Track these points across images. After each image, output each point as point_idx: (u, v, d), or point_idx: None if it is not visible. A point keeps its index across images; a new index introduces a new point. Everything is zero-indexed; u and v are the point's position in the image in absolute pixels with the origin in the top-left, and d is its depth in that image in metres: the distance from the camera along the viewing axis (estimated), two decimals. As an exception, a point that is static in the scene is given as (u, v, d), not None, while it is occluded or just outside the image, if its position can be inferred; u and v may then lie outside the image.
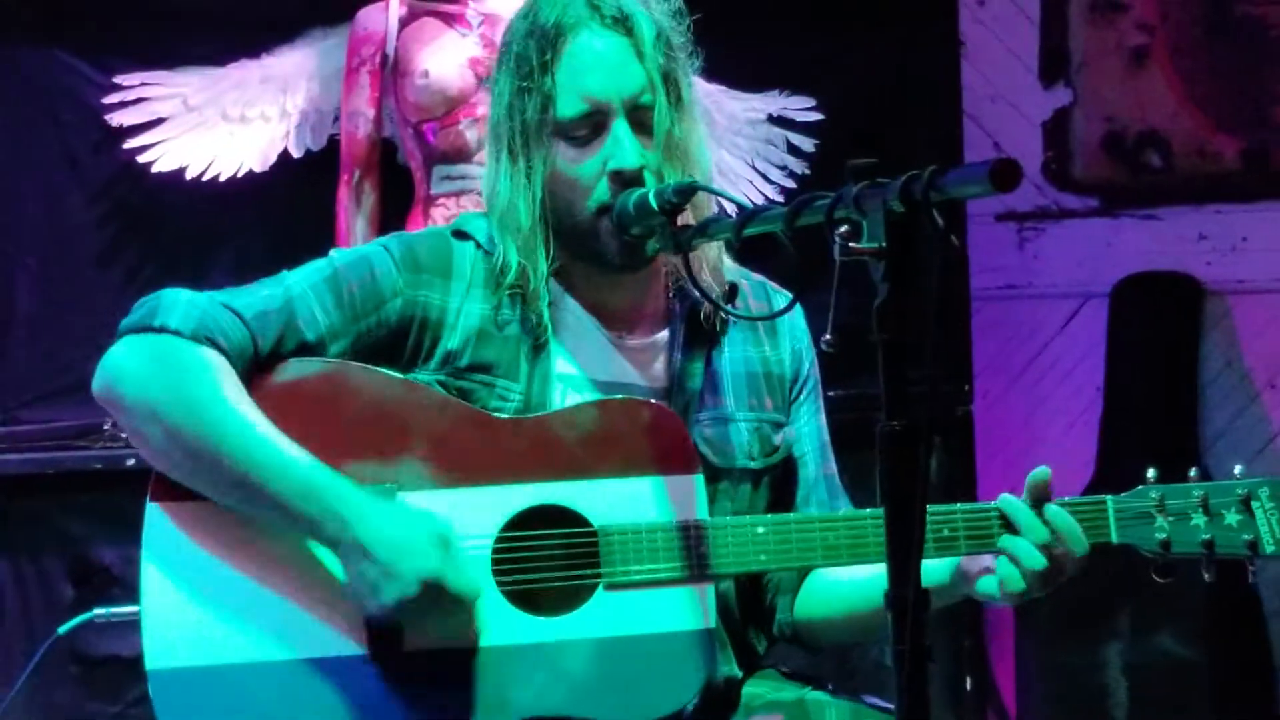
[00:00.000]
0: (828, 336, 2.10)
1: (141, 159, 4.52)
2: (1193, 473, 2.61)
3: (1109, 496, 2.57)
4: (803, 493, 2.76)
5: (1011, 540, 2.50)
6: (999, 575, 2.50)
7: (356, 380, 2.56)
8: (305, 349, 2.56)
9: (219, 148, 4.57)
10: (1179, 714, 4.69)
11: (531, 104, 2.59)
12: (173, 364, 2.49)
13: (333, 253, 2.68)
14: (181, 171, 4.53)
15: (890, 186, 2.02)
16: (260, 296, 2.57)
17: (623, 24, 2.59)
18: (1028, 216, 5.37)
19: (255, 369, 2.53)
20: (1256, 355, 5.10)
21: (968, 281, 5.18)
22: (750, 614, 2.75)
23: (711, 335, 2.71)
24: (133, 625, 2.54)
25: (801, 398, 2.79)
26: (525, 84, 2.60)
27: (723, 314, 2.69)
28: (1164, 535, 2.57)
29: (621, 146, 2.57)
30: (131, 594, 2.54)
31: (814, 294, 2.51)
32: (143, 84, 4.54)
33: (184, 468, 2.49)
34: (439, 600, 2.43)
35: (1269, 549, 2.56)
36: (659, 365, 2.69)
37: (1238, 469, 2.62)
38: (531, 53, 2.59)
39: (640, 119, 2.59)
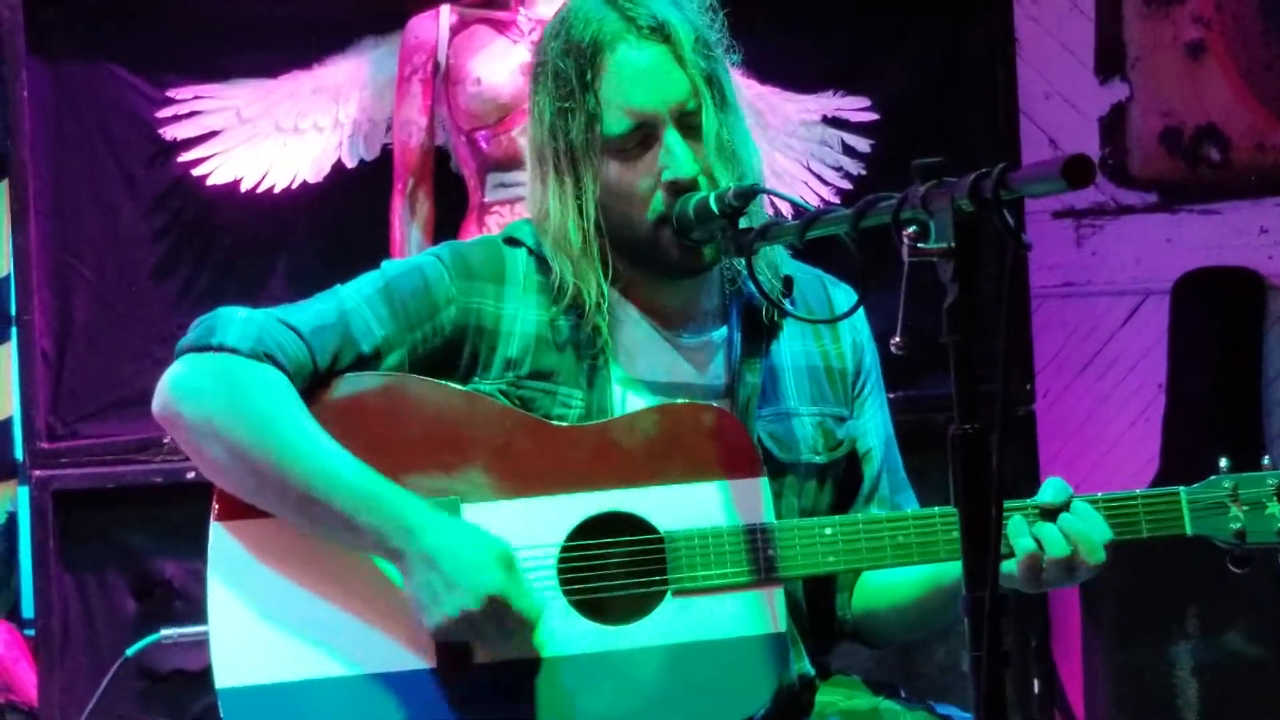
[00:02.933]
0: (897, 339, 2.07)
1: (196, 172, 4.53)
2: (1265, 460, 2.59)
3: (1181, 488, 2.56)
4: (867, 488, 2.75)
5: (1043, 527, 2.47)
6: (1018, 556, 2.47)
7: (415, 392, 2.56)
8: (362, 361, 2.56)
9: (273, 159, 4.57)
10: (1251, 714, 4.64)
11: (576, 124, 2.58)
12: (232, 381, 2.49)
13: (384, 264, 2.68)
14: (236, 183, 4.54)
15: (958, 185, 2.00)
16: (315, 311, 2.58)
17: (659, 32, 2.58)
18: (1085, 213, 5.33)
19: (314, 384, 2.54)
20: (1320, 349, 5.06)
21: (1026, 280, 5.14)
22: (819, 611, 2.73)
23: (769, 331, 2.70)
24: (199, 641, 2.55)
25: (865, 392, 2.77)
26: (567, 104, 2.59)
27: (784, 314, 2.67)
28: (1239, 525, 2.54)
29: (675, 157, 2.56)
30: (193, 607, 2.54)
31: (875, 295, 2.49)
32: (196, 97, 4.55)
33: (247, 484, 2.49)
34: (501, 617, 2.43)
35: None
36: (718, 363, 2.68)
37: None
38: (570, 71, 2.58)
39: (688, 124, 2.58)
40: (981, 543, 1.94)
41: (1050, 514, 2.47)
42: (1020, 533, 2.45)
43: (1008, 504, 2.47)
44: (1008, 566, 2.46)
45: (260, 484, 2.48)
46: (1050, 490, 2.49)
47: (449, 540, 2.44)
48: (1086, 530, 2.46)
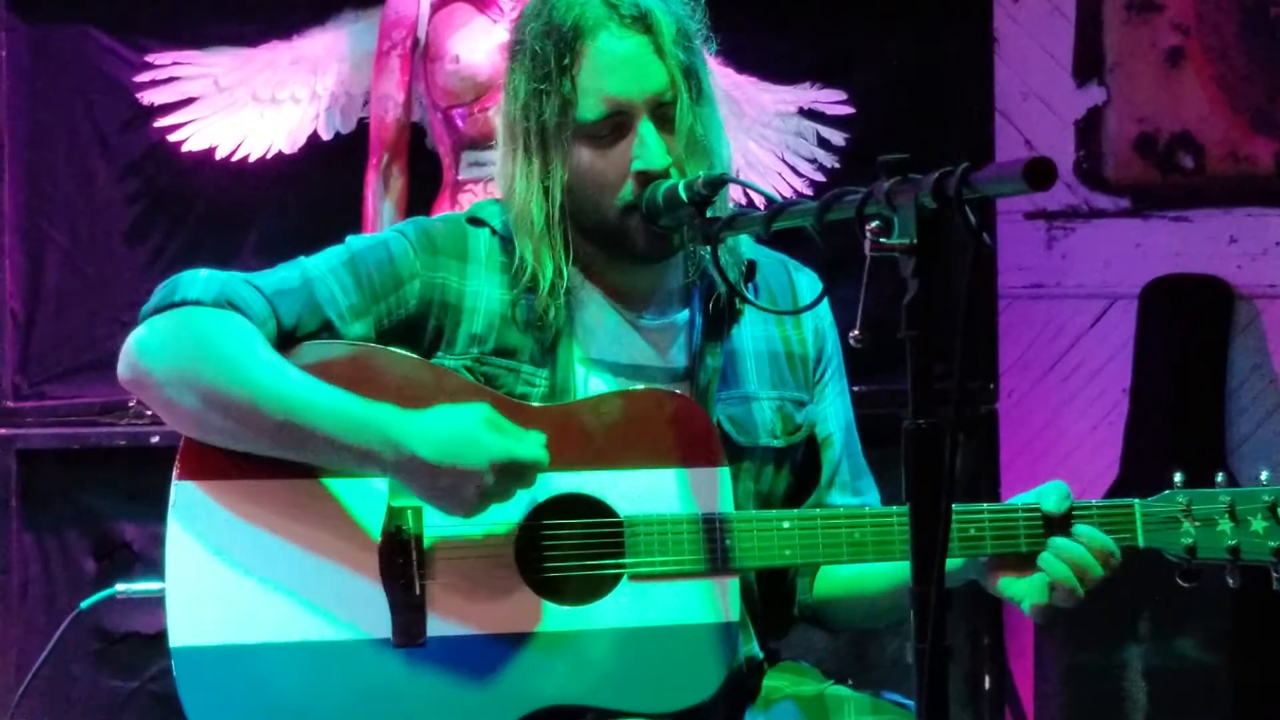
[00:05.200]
0: (856, 333, 2.09)
1: (171, 138, 4.53)
2: (1219, 478, 2.62)
3: (1137, 501, 2.58)
4: (827, 473, 2.77)
5: (1055, 563, 2.50)
6: (1031, 584, 2.51)
7: (383, 362, 2.56)
8: (327, 328, 2.57)
9: (248, 128, 4.57)
10: (1199, 719, 4.67)
11: (550, 106, 2.59)
12: (198, 329, 2.50)
13: (349, 238, 2.68)
14: (211, 151, 4.54)
15: (922, 182, 2.01)
16: (279, 277, 2.59)
17: (641, 22, 2.59)
18: (1057, 215, 5.34)
19: (280, 346, 2.53)
20: (1285, 360, 5.08)
21: (995, 279, 5.16)
22: (773, 594, 2.75)
23: (731, 314, 2.71)
24: (153, 602, 2.55)
25: (825, 378, 2.79)
26: (542, 85, 2.59)
27: (748, 304, 2.68)
28: (1190, 540, 2.57)
29: (648, 148, 2.57)
30: (153, 571, 2.55)
31: (839, 287, 2.51)
32: (174, 63, 4.54)
33: (224, 428, 2.49)
34: (516, 473, 2.43)
35: None
36: (679, 345, 2.69)
37: (1264, 475, 2.62)
38: (549, 54, 2.59)
39: (662, 116, 2.59)
40: (930, 537, 1.96)
41: (1052, 524, 2.52)
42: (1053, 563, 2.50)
43: (961, 507, 2.51)
44: (1015, 590, 2.52)
45: (238, 423, 2.47)
46: (1053, 496, 2.53)
47: (436, 433, 2.43)
48: (1105, 543, 2.52)
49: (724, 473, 2.56)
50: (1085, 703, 4.82)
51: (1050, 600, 2.50)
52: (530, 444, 2.45)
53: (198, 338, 2.49)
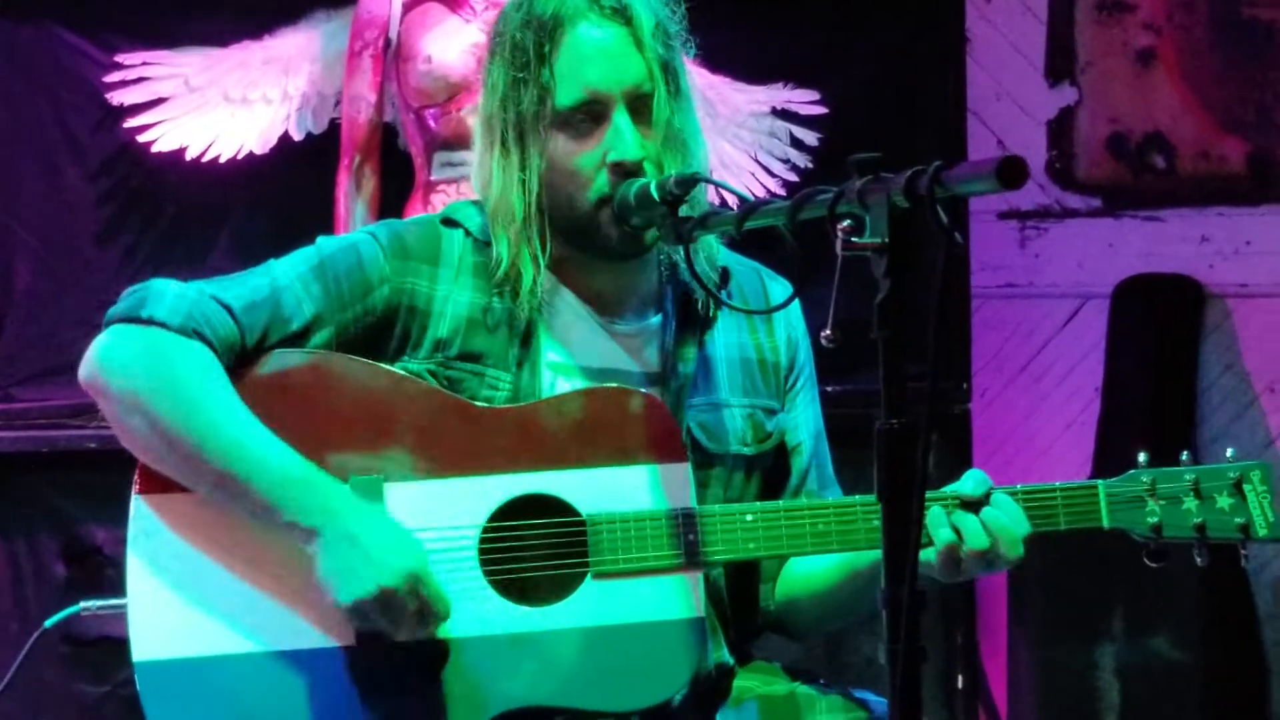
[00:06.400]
0: (827, 332, 2.08)
1: (142, 138, 4.51)
2: (1184, 456, 2.62)
3: (1100, 481, 2.58)
4: (795, 482, 2.76)
5: (963, 518, 2.48)
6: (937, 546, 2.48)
7: (342, 370, 2.56)
8: (292, 339, 2.56)
9: (219, 129, 4.56)
10: (1171, 717, 4.68)
11: (528, 95, 2.58)
12: (159, 358, 2.49)
13: (320, 240, 2.67)
14: (181, 152, 4.52)
15: (894, 181, 2.01)
16: (248, 288, 2.57)
17: (621, 14, 2.59)
18: (1030, 215, 5.35)
19: (241, 360, 2.53)
20: (1256, 359, 5.09)
21: (968, 279, 5.16)
22: (742, 602, 2.74)
23: (704, 320, 2.70)
24: (119, 614, 2.54)
25: (797, 386, 2.78)
26: (521, 75, 2.59)
27: (720, 303, 2.68)
28: (1155, 519, 2.57)
29: (623, 138, 2.56)
30: (123, 574, 2.53)
31: (813, 288, 2.50)
32: (144, 63, 4.53)
33: (167, 460, 2.49)
34: (419, 597, 2.43)
35: (1261, 532, 2.58)
36: (651, 351, 2.68)
37: (1229, 452, 2.62)
38: (528, 43, 2.59)
39: (639, 109, 2.59)
40: (903, 537, 1.96)
41: (971, 505, 2.49)
42: (939, 523, 2.46)
43: (927, 495, 2.50)
44: (926, 556, 2.47)
45: (180, 461, 2.47)
46: (970, 482, 2.51)
47: (370, 523, 2.44)
48: (1009, 524, 2.47)
49: (688, 468, 2.56)
50: (1058, 700, 4.82)
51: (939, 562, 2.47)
52: (442, 599, 2.45)
53: (158, 367, 2.48)
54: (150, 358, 2.49)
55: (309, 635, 2.48)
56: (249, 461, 2.45)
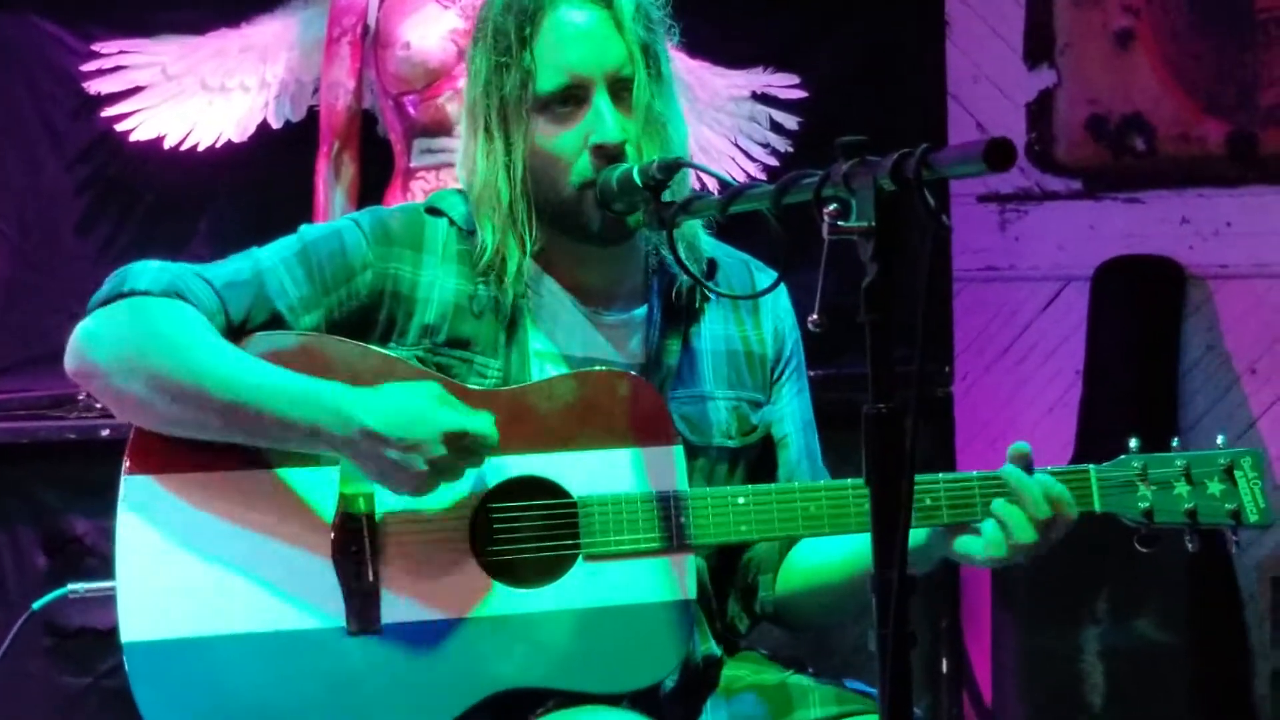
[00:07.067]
0: (814, 316, 2.07)
1: (119, 127, 4.50)
2: (1175, 443, 2.62)
3: (1092, 466, 2.58)
4: (784, 473, 2.75)
5: (1006, 508, 2.48)
6: (985, 539, 2.49)
7: (333, 351, 2.55)
8: (277, 320, 2.55)
9: (197, 117, 4.54)
10: (1155, 700, 4.69)
11: (510, 80, 2.58)
12: (145, 317, 2.48)
13: (302, 228, 2.66)
14: (159, 140, 4.51)
15: (880, 164, 2.00)
16: (231, 269, 2.57)
17: None
18: (1010, 198, 5.35)
19: (230, 340, 2.52)
20: (1237, 340, 5.10)
21: (949, 263, 5.16)
22: (731, 593, 2.74)
23: (690, 312, 2.70)
24: (106, 599, 2.52)
25: (784, 378, 2.77)
26: (503, 59, 2.58)
27: (704, 291, 2.67)
28: (1147, 505, 2.57)
29: (603, 120, 2.55)
30: (105, 565, 2.52)
31: (798, 273, 2.49)
32: (121, 52, 4.51)
33: (172, 414, 2.46)
34: (466, 446, 2.42)
35: (1252, 518, 2.58)
36: (636, 342, 2.68)
37: (1220, 438, 2.62)
38: (510, 28, 2.58)
39: (620, 92, 2.58)
40: (891, 521, 1.95)
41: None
42: (1037, 500, 2.48)
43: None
44: (967, 547, 2.50)
45: (185, 408, 2.45)
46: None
47: (387, 405, 2.42)
48: (1062, 491, 2.49)
49: (678, 451, 2.55)
50: (1043, 684, 4.83)
51: (1006, 548, 2.48)
52: (481, 419, 2.44)
53: (145, 324, 2.48)
54: (137, 320, 2.48)
55: (302, 616, 2.47)
56: (254, 387, 2.43)
